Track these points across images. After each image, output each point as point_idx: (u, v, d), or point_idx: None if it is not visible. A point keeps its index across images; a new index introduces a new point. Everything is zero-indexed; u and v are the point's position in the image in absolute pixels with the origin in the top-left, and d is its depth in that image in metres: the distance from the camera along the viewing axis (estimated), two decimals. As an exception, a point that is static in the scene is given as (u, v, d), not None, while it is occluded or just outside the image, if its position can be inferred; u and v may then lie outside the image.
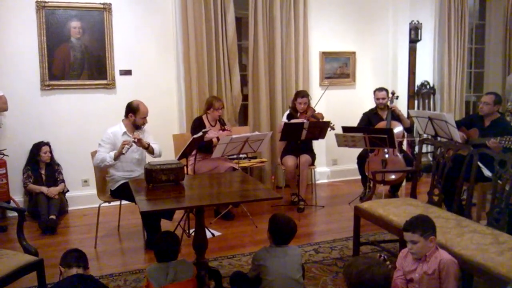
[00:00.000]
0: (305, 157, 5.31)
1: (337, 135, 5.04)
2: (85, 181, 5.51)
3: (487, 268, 2.56)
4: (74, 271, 2.49)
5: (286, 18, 6.10)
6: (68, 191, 5.34)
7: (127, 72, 5.57)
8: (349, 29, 6.61)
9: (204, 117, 5.13)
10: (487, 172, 4.03)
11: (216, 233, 4.56)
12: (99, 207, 4.37)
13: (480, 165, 3.92)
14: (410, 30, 6.75)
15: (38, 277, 2.93)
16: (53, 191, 5.00)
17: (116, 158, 4.12)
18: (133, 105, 4.32)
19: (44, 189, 4.98)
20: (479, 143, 4.33)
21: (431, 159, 6.76)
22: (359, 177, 5.79)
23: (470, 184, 3.56)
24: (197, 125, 4.98)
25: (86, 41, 5.34)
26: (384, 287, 2.12)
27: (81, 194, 5.48)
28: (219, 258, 3.94)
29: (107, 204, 4.42)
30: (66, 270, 2.51)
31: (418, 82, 7.16)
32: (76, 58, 5.33)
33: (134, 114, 4.28)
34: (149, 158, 4.32)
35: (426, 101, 7.28)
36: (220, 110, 5.06)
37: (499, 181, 3.28)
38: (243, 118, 6.49)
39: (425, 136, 5.22)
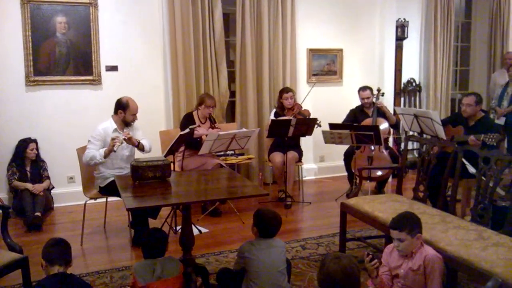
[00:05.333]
0: (292, 154, 5.33)
1: (324, 132, 5.06)
2: (71, 178, 5.46)
3: (471, 264, 2.60)
4: (56, 269, 2.46)
5: (274, 15, 6.10)
6: (53, 187, 5.30)
7: (113, 68, 5.52)
8: (337, 26, 6.63)
9: (194, 113, 5.10)
10: (471, 169, 4.08)
11: (203, 230, 4.56)
12: (85, 204, 4.33)
13: (465, 162, 3.97)
14: (397, 28, 6.79)
15: (23, 275, 2.91)
16: (38, 187, 4.95)
17: (106, 156, 4.07)
18: (122, 101, 4.26)
19: (29, 185, 4.93)
20: (464, 140, 4.38)
21: (416, 155, 6.83)
22: (346, 173, 5.82)
23: (454, 180, 3.61)
24: (187, 121, 4.95)
25: (72, 37, 5.29)
26: (343, 280, 2.09)
27: (67, 191, 5.44)
28: (206, 255, 3.94)
29: (93, 201, 4.38)
30: (48, 266, 2.49)
31: (404, 79, 7.22)
32: (62, 53, 5.28)
33: (123, 111, 4.24)
34: (138, 155, 4.30)
35: (412, 98, 7.35)
36: (211, 108, 5.02)
37: (483, 177, 3.33)
38: (230, 114, 6.49)
39: (411, 133, 5.27)
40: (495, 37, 7.69)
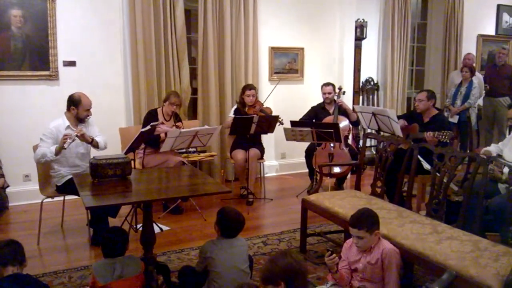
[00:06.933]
0: (254, 151, 5.36)
1: (285, 129, 5.12)
2: (27, 176, 5.29)
3: (426, 257, 2.70)
4: (10, 270, 2.39)
5: (236, 12, 6.10)
6: (8, 186, 5.12)
7: (71, 63, 5.38)
8: (298, 25, 6.70)
9: (159, 109, 5.05)
10: (426, 165, 4.23)
11: (165, 228, 4.52)
12: (41, 203, 4.21)
13: (420, 158, 4.11)
14: (356, 28, 6.93)
15: (-24, 277, 2.81)
16: (-9, 186, 4.79)
17: (58, 153, 3.95)
18: (74, 97, 4.13)
19: (-19, 184, 4.76)
20: (419, 137, 4.53)
21: (374, 152, 7.00)
22: (307, 170, 5.90)
23: (410, 176, 3.73)
24: (150, 117, 4.88)
25: (28, 31, 5.12)
26: (290, 274, 2.22)
27: (22, 189, 5.27)
28: (168, 253, 3.91)
29: (50, 199, 4.27)
30: (1, 268, 2.40)
31: (363, 78, 7.37)
32: (17, 48, 5.10)
33: (76, 107, 4.12)
34: (94, 152, 4.21)
35: (370, 97, 7.51)
36: (174, 106, 4.96)
37: (437, 173, 3.45)
38: (192, 111, 6.45)
39: (369, 130, 5.39)
40: (449, 39, 7.96)
